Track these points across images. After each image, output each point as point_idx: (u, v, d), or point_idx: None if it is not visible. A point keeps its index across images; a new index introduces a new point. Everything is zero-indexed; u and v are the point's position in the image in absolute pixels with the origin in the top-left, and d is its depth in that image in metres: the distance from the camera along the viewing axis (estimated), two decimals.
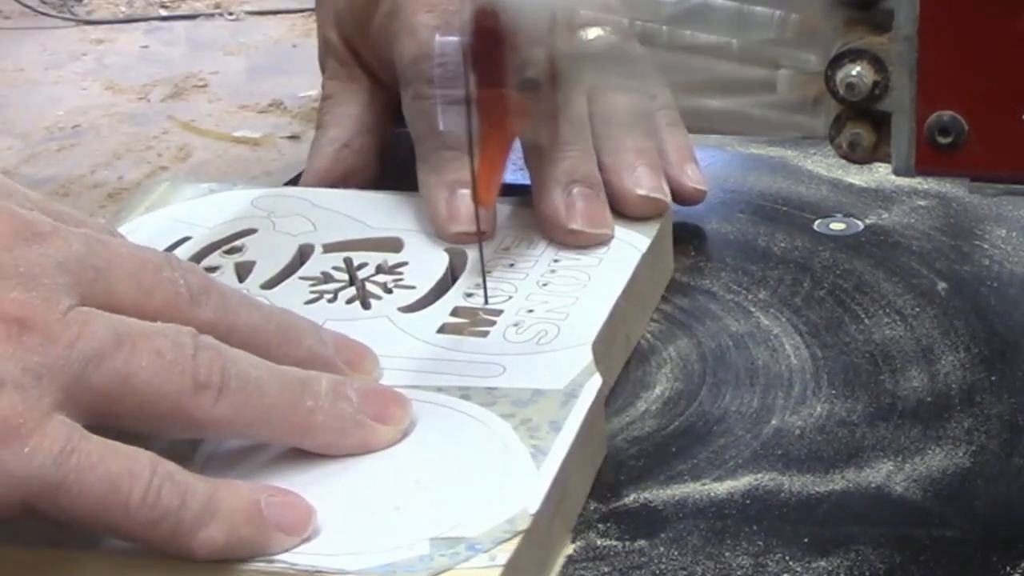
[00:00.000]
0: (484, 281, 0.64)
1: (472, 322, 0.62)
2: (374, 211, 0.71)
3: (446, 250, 0.67)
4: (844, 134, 0.54)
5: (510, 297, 0.64)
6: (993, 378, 0.62)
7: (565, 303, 0.64)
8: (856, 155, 0.54)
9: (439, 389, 0.58)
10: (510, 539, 0.50)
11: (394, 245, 0.68)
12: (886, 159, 0.53)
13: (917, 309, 0.67)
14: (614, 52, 0.63)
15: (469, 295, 0.64)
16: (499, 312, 0.63)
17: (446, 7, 0.71)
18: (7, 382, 0.48)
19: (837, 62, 0.52)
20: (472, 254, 0.67)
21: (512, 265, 0.66)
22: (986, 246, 0.72)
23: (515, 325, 0.62)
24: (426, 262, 0.67)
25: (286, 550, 0.49)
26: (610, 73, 0.61)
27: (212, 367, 0.51)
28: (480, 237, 0.66)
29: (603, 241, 0.68)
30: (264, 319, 0.56)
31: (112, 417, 0.50)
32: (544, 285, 0.65)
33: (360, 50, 0.78)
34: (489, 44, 0.59)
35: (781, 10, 0.56)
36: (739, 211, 0.77)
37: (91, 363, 0.49)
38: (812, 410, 0.61)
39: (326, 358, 0.56)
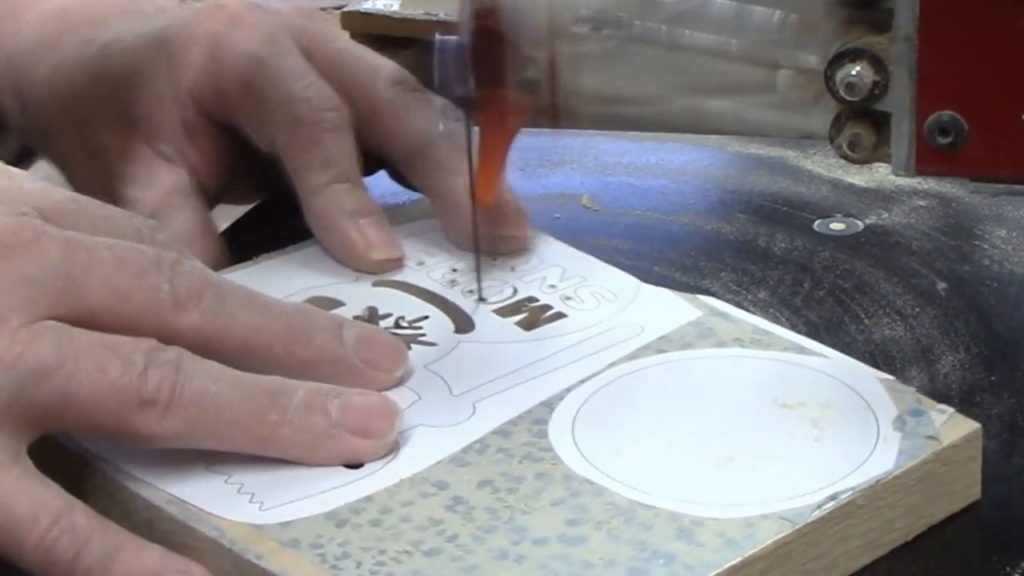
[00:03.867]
0: (479, 283, 0.64)
1: (531, 313, 0.62)
2: (261, 285, 0.61)
3: (377, 284, 0.65)
4: (844, 134, 0.54)
5: (515, 290, 0.64)
6: (993, 378, 0.62)
7: (557, 272, 0.65)
8: (856, 155, 0.54)
9: (632, 357, 0.59)
10: (925, 398, 0.56)
11: (331, 304, 0.64)
12: (886, 159, 0.53)
13: (917, 309, 0.67)
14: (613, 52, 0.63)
15: (482, 300, 0.64)
16: (535, 299, 0.63)
17: (275, 33, 0.69)
18: None
19: (837, 62, 0.52)
20: (414, 279, 0.65)
21: (455, 270, 0.65)
22: (986, 246, 0.72)
23: (568, 299, 0.63)
24: (391, 300, 0.64)
25: None
26: (609, 73, 0.61)
27: (161, 383, 0.52)
28: (477, 239, 0.65)
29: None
30: (269, 319, 0.55)
31: (58, 429, 0.53)
32: (513, 270, 0.65)
33: (171, 135, 0.70)
34: (489, 44, 0.59)
35: (781, 10, 0.56)
36: (739, 211, 0.77)
37: (30, 382, 0.51)
38: None
39: (338, 357, 0.56)
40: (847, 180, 0.79)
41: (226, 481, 0.53)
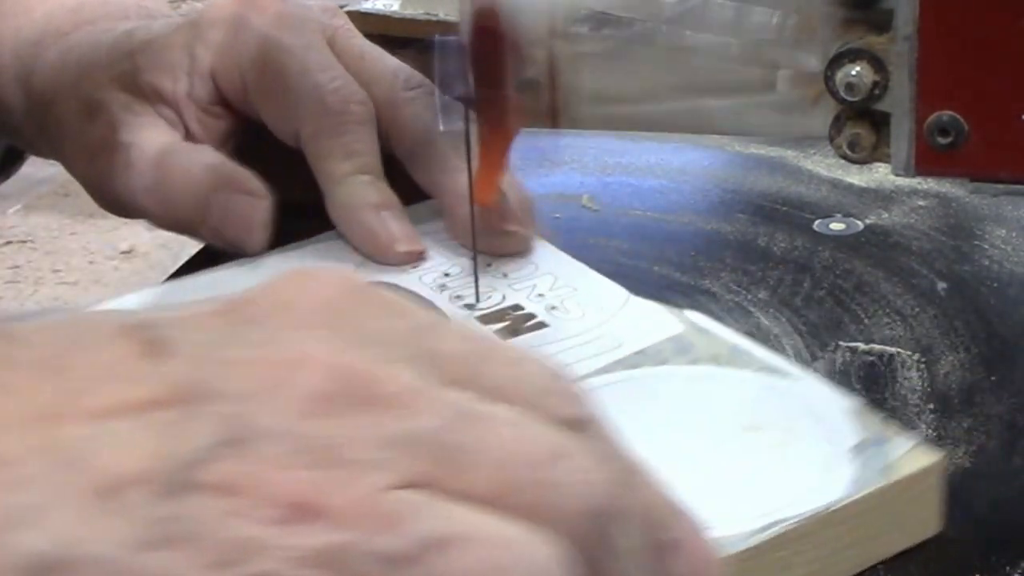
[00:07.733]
0: (477, 286, 0.64)
1: (514, 321, 0.62)
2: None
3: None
4: (844, 134, 0.54)
5: (504, 297, 0.64)
6: (993, 378, 0.62)
7: (549, 280, 0.65)
8: (856, 155, 0.54)
9: (604, 371, 0.58)
10: (893, 425, 0.54)
11: None
12: (886, 159, 0.53)
13: (917, 309, 0.67)
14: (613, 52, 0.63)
15: (470, 306, 0.64)
16: (520, 307, 0.63)
17: (302, 25, 0.69)
18: None
19: (837, 62, 0.52)
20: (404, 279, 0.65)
21: (447, 275, 0.65)
22: (986, 246, 0.72)
23: (553, 308, 0.63)
24: None
25: None
26: (609, 73, 0.61)
27: None
28: (475, 241, 0.65)
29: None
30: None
31: None
32: (505, 276, 0.65)
33: (175, 103, 0.71)
34: (489, 44, 0.59)
35: (780, 10, 0.56)
36: (739, 211, 0.77)
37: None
38: None
39: None
40: (847, 180, 0.79)
41: None
